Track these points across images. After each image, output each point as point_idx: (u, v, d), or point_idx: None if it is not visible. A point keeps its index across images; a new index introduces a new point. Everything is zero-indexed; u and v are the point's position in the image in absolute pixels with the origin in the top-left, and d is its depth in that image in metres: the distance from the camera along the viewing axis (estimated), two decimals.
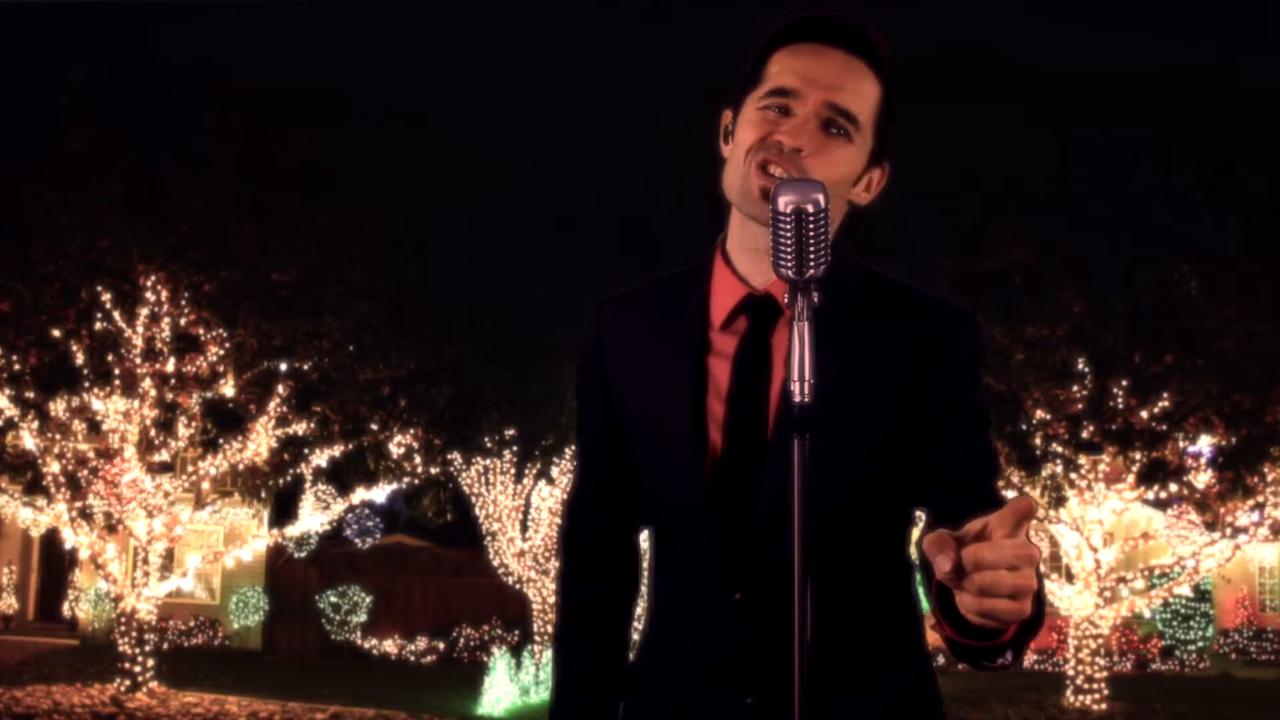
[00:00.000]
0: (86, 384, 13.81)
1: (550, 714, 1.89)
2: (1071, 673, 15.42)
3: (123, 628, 14.19)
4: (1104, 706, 15.11)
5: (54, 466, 13.96)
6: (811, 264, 1.46)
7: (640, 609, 1.90)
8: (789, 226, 1.46)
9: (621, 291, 1.87)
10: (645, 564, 1.91)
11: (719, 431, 1.70)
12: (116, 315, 13.77)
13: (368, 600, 22.97)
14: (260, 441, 14.45)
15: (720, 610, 1.70)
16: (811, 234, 1.46)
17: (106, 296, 13.68)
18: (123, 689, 13.92)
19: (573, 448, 15.66)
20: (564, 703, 1.87)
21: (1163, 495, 15.44)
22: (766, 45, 1.75)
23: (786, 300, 1.48)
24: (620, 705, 1.86)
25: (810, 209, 1.46)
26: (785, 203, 1.46)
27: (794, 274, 1.46)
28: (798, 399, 1.44)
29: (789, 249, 1.46)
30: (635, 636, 1.90)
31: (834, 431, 1.65)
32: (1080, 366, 14.81)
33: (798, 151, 1.66)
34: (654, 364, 1.77)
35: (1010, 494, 15.12)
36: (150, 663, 14.11)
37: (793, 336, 1.46)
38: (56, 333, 13.88)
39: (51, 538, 20.97)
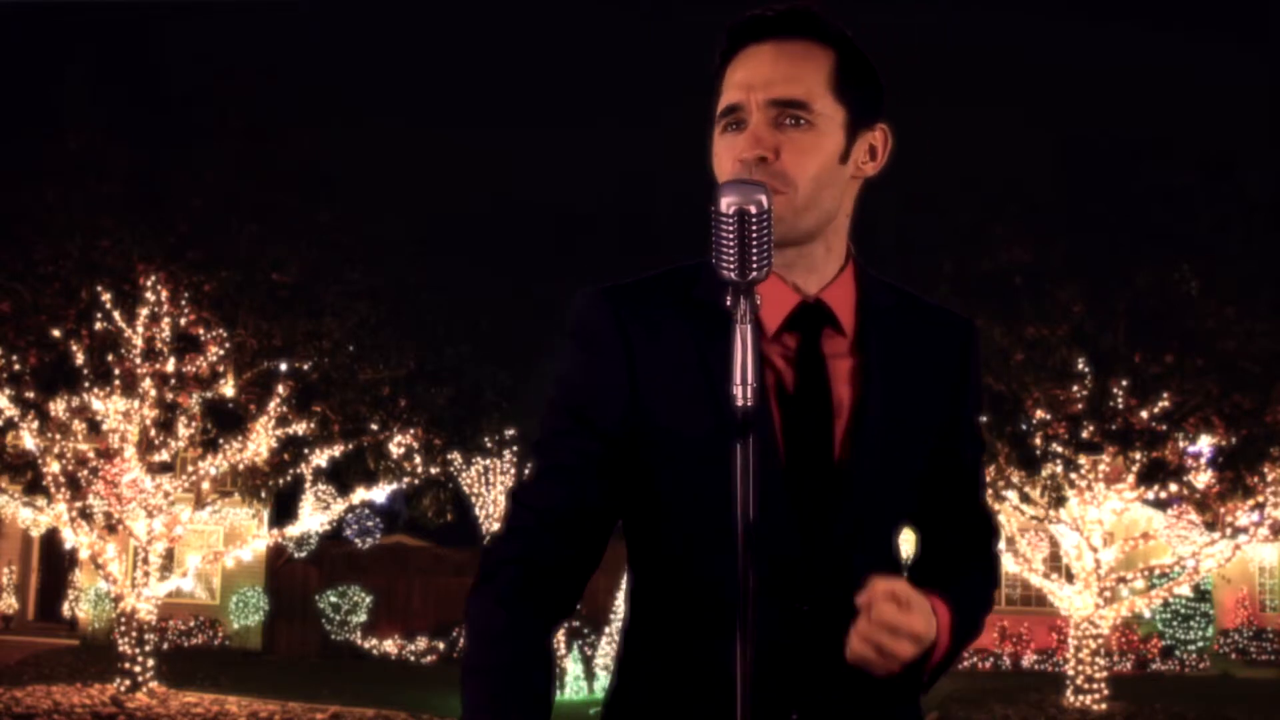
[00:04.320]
0: (86, 384, 13.80)
1: None
2: (1071, 673, 15.42)
3: (123, 628, 14.19)
4: (1104, 706, 15.11)
5: (54, 466, 13.96)
6: (754, 266, 1.45)
7: (612, 626, 1.80)
8: (731, 227, 1.45)
9: (629, 283, 1.74)
10: (626, 586, 1.80)
11: (779, 437, 1.65)
12: (116, 315, 13.77)
13: (368, 600, 22.97)
14: (260, 441, 14.45)
15: (778, 622, 1.61)
16: (754, 235, 1.45)
17: (106, 296, 13.68)
18: (123, 689, 13.92)
19: None
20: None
21: (1163, 495, 15.44)
22: (719, 64, 1.72)
23: (730, 301, 1.47)
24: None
25: (753, 210, 1.45)
26: (727, 204, 1.45)
27: (736, 276, 1.45)
28: (740, 402, 1.44)
29: (731, 250, 1.45)
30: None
31: (890, 454, 1.69)
32: (1080, 366, 14.81)
33: (763, 160, 1.63)
34: (701, 367, 1.65)
35: (1010, 494, 15.18)
36: (150, 663, 14.11)
37: (734, 340, 1.45)
38: (56, 333, 13.88)
39: (51, 538, 20.98)
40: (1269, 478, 14.72)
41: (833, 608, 1.60)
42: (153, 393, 14.05)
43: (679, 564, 1.70)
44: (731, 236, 1.45)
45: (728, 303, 1.47)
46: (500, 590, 1.66)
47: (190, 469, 14.96)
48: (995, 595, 1.87)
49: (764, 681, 1.48)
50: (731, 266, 1.45)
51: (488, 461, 19.05)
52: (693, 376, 1.66)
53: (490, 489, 19.25)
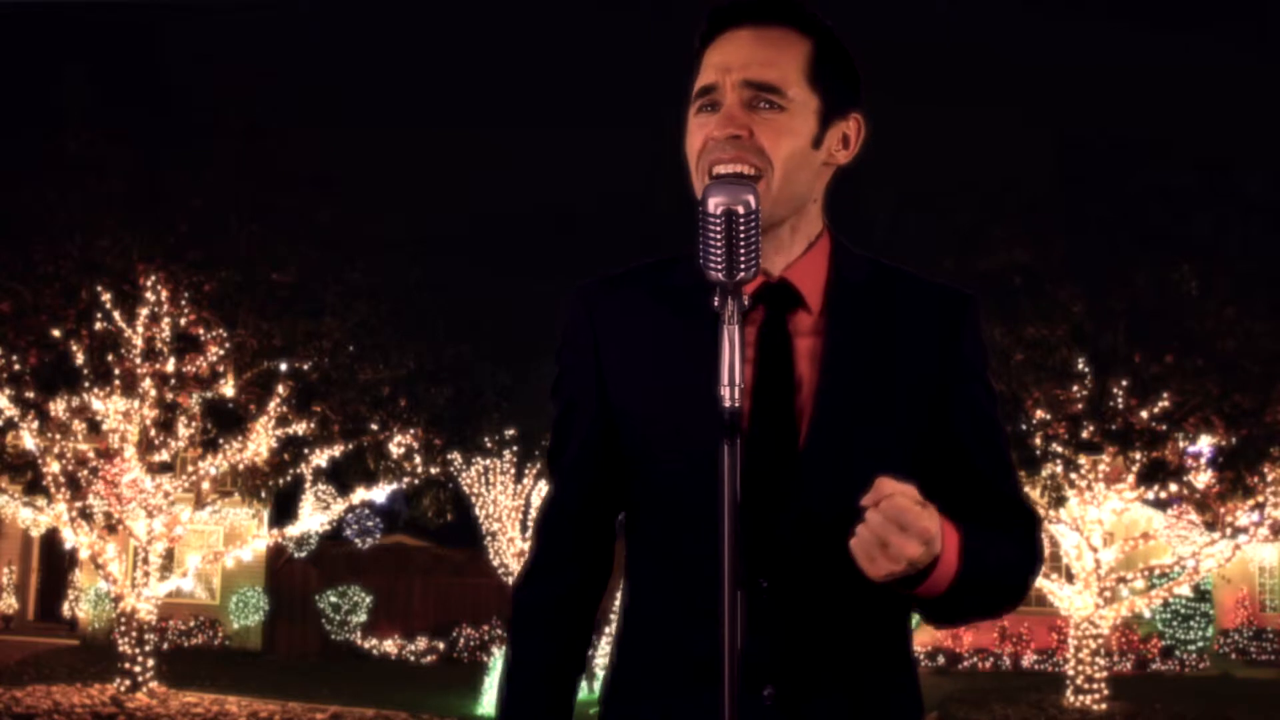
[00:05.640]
0: (86, 384, 13.81)
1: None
2: (1071, 673, 15.43)
3: (123, 628, 14.19)
4: (1104, 706, 15.11)
5: (54, 466, 13.96)
6: (742, 266, 1.45)
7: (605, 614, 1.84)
8: (719, 228, 1.45)
9: (605, 277, 1.78)
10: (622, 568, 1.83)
11: (743, 420, 1.63)
12: (116, 315, 13.77)
13: (368, 600, 22.97)
14: (260, 441, 14.45)
15: (740, 599, 1.57)
16: (741, 235, 1.45)
17: (106, 296, 13.69)
18: (123, 689, 13.92)
19: None
20: (516, 704, 1.77)
21: (1163, 495, 15.44)
22: (698, 48, 1.73)
23: (718, 302, 1.47)
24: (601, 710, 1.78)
25: (740, 210, 1.45)
26: (715, 204, 1.46)
27: (724, 276, 1.45)
28: (727, 403, 1.44)
29: (719, 251, 1.45)
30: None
31: (857, 429, 1.65)
32: (1080, 366, 14.81)
33: (736, 139, 1.63)
34: (667, 355, 1.68)
35: None
36: (150, 663, 14.11)
37: (722, 340, 1.46)
38: (56, 333, 13.88)
39: (51, 538, 20.97)
40: (1269, 478, 14.73)
41: (794, 584, 1.61)
42: (153, 393, 14.05)
43: (657, 544, 1.73)
44: (719, 237, 1.45)
45: (715, 303, 1.47)
46: (532, 601, 1.80)
47: (190, 469, 14.96)
48: (1026, 579, 1.69)
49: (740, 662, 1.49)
50: (719, 267, 1.45)
51: (488, 461, 19.05)
52: (654, 360, 1.70)
53: (490, 489, 19.25)
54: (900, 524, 1.44)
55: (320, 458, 14.98)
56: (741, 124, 1.64)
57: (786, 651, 1.62)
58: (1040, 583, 15.94)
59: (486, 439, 18.28)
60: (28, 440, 13.97)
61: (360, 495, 15.74)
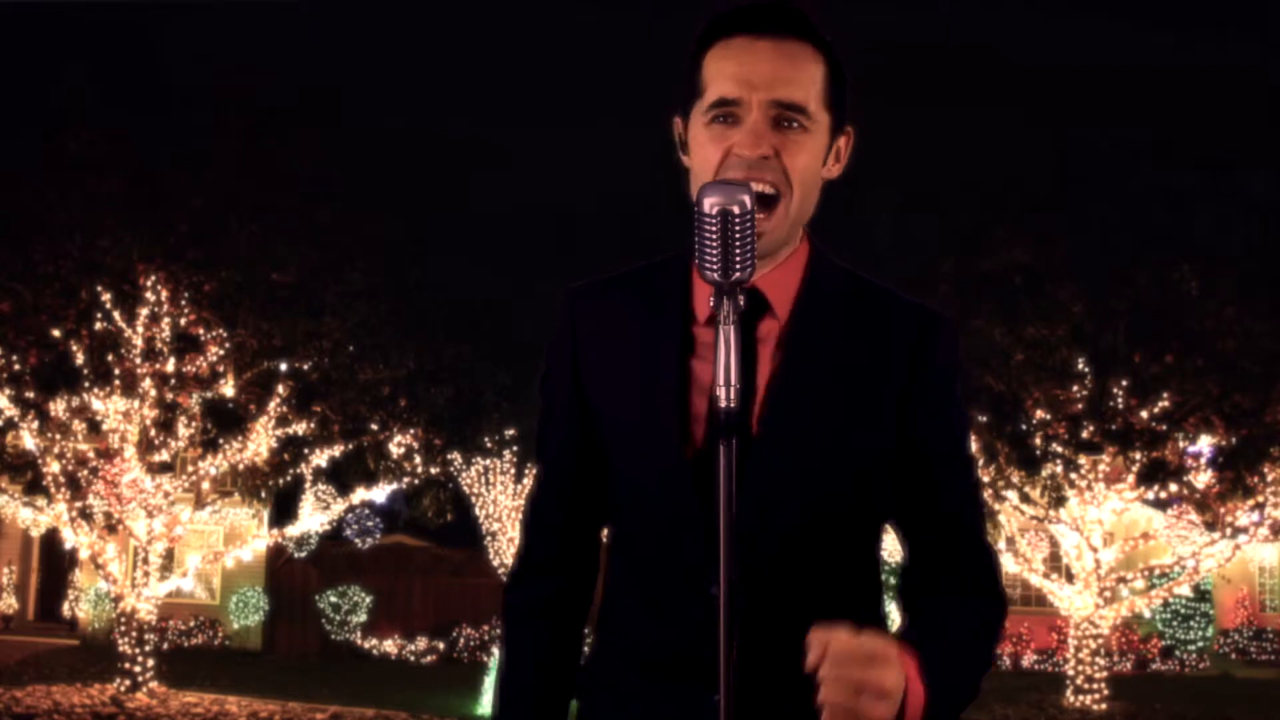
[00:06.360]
0: (86, 384, 13.81)
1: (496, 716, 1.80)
2: (1071, 673, 15.43)
3: (123, 628, 14.19)
4: (1104, 706, 15.11)
5: (54, 466, 13.96)
6: (738, 267, 1.45)
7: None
8: (714, 229, 1.45)
9: (595, 280, 1.80)
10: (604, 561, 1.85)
11: (701, 427, 1.64)
12: (116, 315, 13.77)
13: (368, 600, 22.97)
14: (260, 441, 14.45)
15: (692, 605, 1.62)
16: (738, 236, 1.45)
17: (106, 296, 13.69)
18: (123, 689, 13.92)
19: None
20: (509, 706, 1.78)
21: (1163, 495, 15.44)
22: (697, 48, 1.69)
23: (712, 304, 1.47)
24: (575, 704, 1.80)
25: (736, 210, 1.45)
26: (711, 204, 1.45)
27: (720, 277, 1.45)
28: (724, 404, 1.44)
29: (715, 252, 1.45)
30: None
31: (810, 438, 1.63)
32: (1080, 366, 14.82)
33: (765, 159, 1.61)
34: (636, 356, 1.70)
35: (1010, 494, 15.18)
36: (150, 663, 14.11)
37: (718, 341, 1.45)
38: (56, 333, 13.88)
39: (51, 538, 20.98)
40: (1269, 478, 14.72)
41: (744, 589, 1.56)
42: (153, 393, 14.05)
43: (629, 544, 1.74)
44: (715, 237, 1.45)
45: (711, 304, 1.47)
46: (522, 603, 1.82)
47: (190, 469, 14.96)
48: (992, 651, 1.69)
49: (684, 664, 1.53)
50: (715, 267, 1.45)
51: (488, 461, 19.06)
52: (630, 363, 1.70)
53: (490, 489, 19.26)
54: (857, 686, 1.40)
55: (320, 458, 14.98)
56: (771, 144, 1.62)
57: (738, 654, 1.57)
58: (1040, 583, 15.96)
59: (486, 439, 18.28)
60: (28, 440, 13.97)
61: (360, 495, 15.75)
